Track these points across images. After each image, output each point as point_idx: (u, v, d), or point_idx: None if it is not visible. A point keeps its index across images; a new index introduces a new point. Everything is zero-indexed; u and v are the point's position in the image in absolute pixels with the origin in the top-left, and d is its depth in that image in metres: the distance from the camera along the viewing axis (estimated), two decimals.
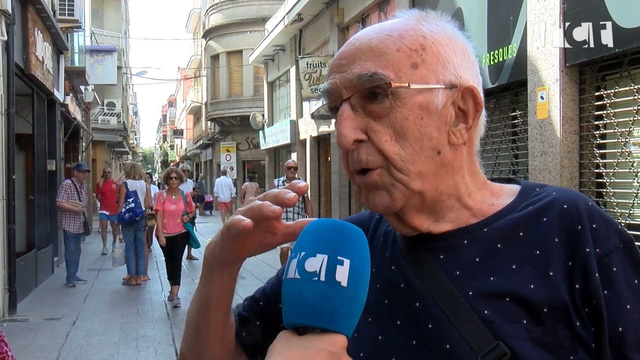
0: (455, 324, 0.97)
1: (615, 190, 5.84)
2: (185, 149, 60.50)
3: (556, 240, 0.98)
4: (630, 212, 5.62)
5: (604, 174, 5.96)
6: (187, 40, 58.84)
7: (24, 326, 8.18)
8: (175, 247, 9.81)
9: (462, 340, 0.96)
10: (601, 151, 6.01)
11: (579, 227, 0.98)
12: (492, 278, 0.99)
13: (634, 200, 5.59)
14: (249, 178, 17.75)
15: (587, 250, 0.96)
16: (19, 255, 9.65)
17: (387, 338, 1.05)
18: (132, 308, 9.45)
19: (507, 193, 1.09)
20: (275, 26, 18.38)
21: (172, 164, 72.55)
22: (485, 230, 1.03)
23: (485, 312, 0.97)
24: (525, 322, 0.95)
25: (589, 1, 5.81)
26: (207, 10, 32.43)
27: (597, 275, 0.95)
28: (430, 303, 1.01)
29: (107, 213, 15.51)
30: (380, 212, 1.03)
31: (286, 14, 16.80)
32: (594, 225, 0.98)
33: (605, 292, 0.95)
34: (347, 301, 0.85)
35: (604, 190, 5.96)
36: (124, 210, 11.11)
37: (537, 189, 1.07)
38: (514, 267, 0.98)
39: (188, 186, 15.64)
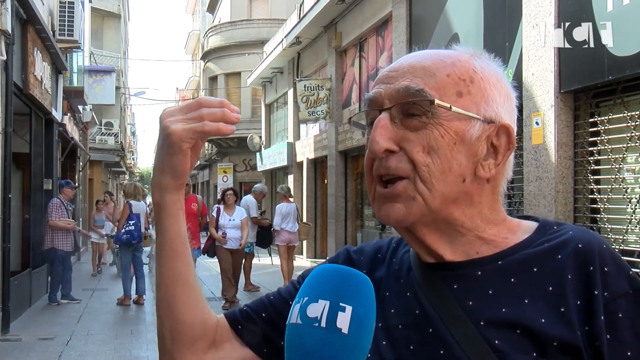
0: (467, 351, 0.99)
1: (609, 216, 5.87)
2: None
3: (569, 277, 0.99)
4: (624, 237, 5.64)
5: (598, 199, 6.00)
6: (186, 62, 59.06)
7: (16, 346, 8.12)
8: None
9: None
10: (595, 177, 6.05)
11: (591, 268, 0.98)
12: (504, 310, 1.00)
13: (628, 226, 5.61)
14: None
15: (596, 292, 0.97)
16: (13, 275, 9.60)
17: None
18: (126, 328, 9.39)
19: (524, 229, 1.09)
20: (274, 49, 18.50)
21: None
22: (499, 263, 1.04)
23: (496, 342, 0.98)
24: (535, 354, 0.96)
25: None
26: (206, 32, 32.63)
27: (602, 318, 0.96)
28: (443, 330, 1.02)
29: None
30: (391, 225, 1.05)
31: (284, 37, 16.92)
32: (605, 269, 0.98)
33: (608, 336, 0.96)
34: (348, 348, 0.84)
35: (598, 215, 5.99)
36: (123, 230, 11.07)
37: (555, 227, 1.08)
38: (526, 301, 1.00)
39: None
